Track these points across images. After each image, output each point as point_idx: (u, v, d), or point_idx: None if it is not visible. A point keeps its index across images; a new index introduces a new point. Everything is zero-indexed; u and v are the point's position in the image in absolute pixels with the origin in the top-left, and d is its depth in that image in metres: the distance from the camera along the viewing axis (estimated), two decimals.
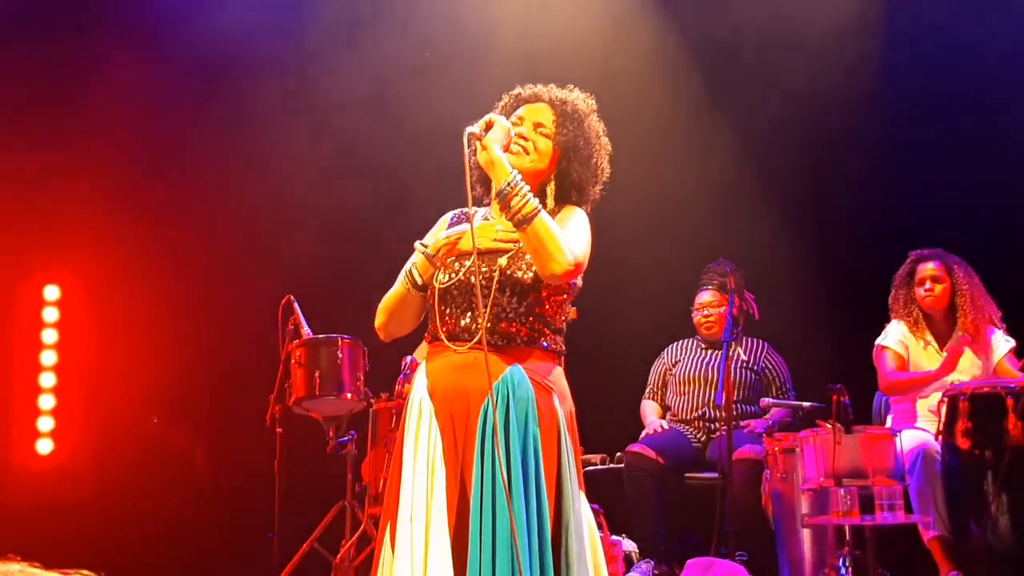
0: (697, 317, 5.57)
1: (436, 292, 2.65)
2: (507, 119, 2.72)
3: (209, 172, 6.33)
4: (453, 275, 2.64)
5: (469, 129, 2.61)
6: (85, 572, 0.95)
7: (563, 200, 2.78)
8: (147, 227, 6.24)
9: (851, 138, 5.91)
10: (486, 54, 5.91)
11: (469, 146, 2.62)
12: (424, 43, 6.14)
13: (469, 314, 2.61)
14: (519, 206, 2.51)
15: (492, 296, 2.59)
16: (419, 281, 2.69)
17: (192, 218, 6.27)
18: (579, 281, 2.73)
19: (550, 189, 2.76)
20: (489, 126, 2.62)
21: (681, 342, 5.68)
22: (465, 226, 2.68)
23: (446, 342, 2.63)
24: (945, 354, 4.74)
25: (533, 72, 2.98)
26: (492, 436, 2.49)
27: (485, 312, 2.57)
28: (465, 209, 2.76)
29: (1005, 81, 5.68)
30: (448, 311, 2.64)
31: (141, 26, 6.25)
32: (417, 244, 2.75)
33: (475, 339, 2.56)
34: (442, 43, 6.13)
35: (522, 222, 2.52)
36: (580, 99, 2.82)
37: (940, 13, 5.73)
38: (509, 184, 2.54)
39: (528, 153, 2.71)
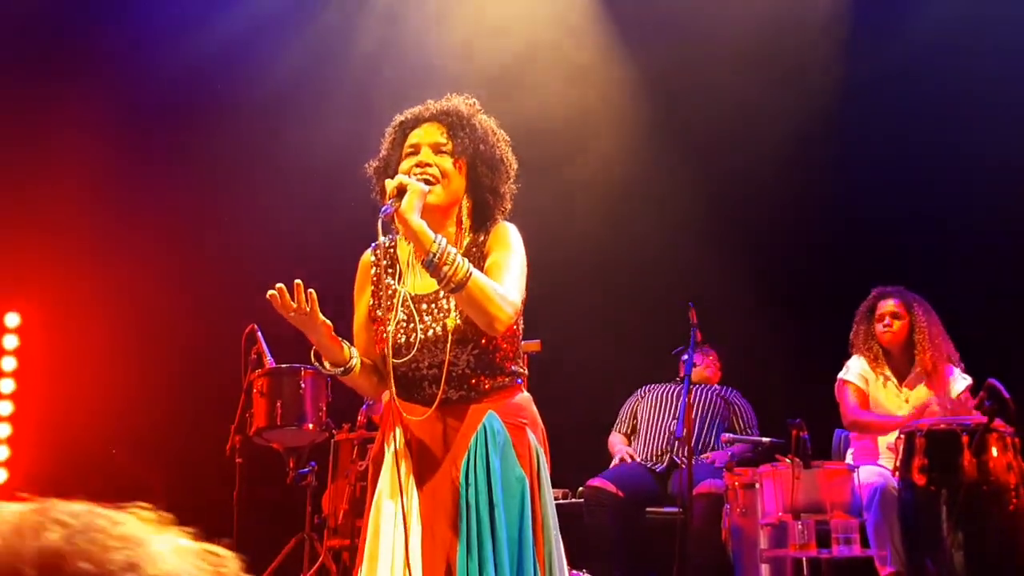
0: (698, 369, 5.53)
1: (392, 376, 2.58)
2: (402, 154, 2.64)
3: (172, 199, 6.31)
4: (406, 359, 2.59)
5: (383, 211, 2.46)
6: (141, 505, 0.96)
7: (481, 209, 2.70)
8: (109, 255, 6.19)
9: (810, 173, 5.97)
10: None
11: (387, 231, 2.55)
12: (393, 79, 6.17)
13: (426, 384, 2.59)
14: (450, 274, 2.41)
15: (449, 354, 2.56)
16: (336, 370, 2.64)
17: (155, 246, 6.23)
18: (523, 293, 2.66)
19: (465, 207, 2.68)
20: (401, 190, 2.48)
21: (658, 385, 5.65)
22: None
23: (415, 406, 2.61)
24: (905, 390, 4.82)
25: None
26: (475, 487, 2.48)
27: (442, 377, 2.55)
28: (382, 242, 2.66)
29: (968, 109, 5.73)
30: (406, 390, 2.60)
31: (108, 58, 6.25)
32: (314, 361, 2.66)
33: (435, 404, 2.55)
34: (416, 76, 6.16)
35: (456, 288, 2.44)
36: (461, 103, 2.70)
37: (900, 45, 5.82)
38: (436, 254, 2.41)
39: (439, 181, 2.59)
